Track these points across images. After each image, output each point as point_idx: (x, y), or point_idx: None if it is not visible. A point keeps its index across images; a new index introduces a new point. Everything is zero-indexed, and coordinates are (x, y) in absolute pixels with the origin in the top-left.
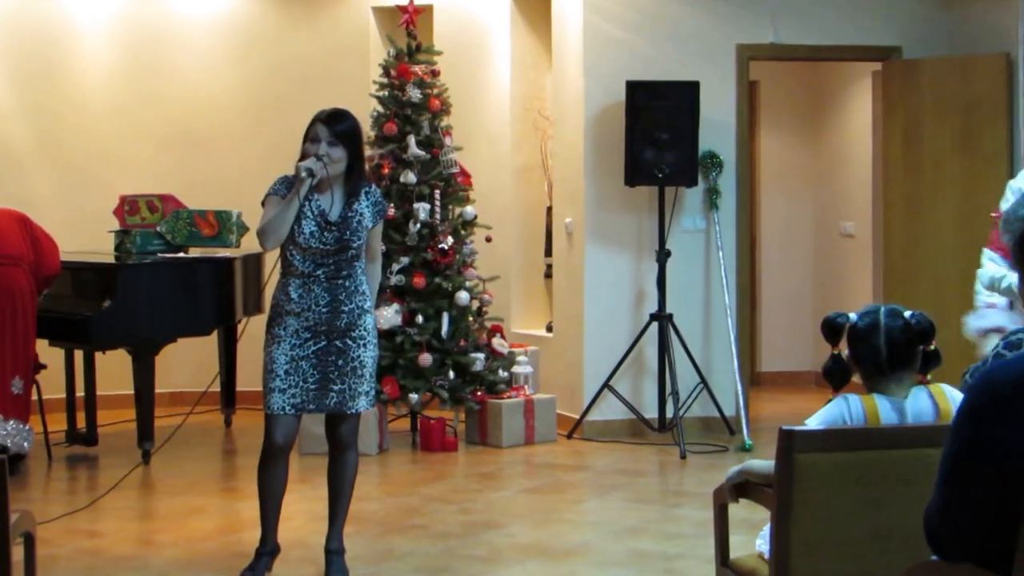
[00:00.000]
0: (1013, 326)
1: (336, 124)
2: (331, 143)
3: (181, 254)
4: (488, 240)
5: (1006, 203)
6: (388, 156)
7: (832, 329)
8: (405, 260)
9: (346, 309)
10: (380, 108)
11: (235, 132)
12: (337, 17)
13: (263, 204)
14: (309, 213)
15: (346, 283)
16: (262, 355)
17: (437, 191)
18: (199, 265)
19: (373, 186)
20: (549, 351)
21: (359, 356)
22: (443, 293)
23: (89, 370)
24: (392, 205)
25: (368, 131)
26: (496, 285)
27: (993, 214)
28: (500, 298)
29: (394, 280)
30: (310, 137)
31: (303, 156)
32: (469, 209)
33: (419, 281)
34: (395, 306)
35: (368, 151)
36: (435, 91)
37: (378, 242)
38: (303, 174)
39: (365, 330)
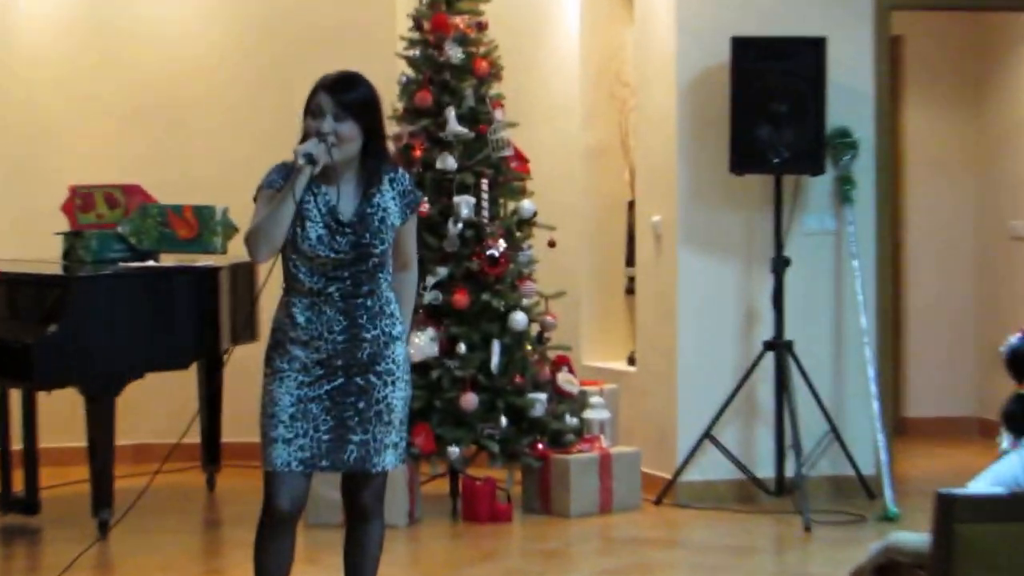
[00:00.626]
0: None
1: (344, 92)
2: (338, 117)
3: (150, 262)
4: (551, 245)
5: None
6: (420, 135)
7: (1020, 361)
8: (443, 271)
9: (368, 336)
10: (410, 72)
11: (221, 105)
12: None
13: (255, 200)
14: (315, 212)
15: (368, 302)
16: (258, 396)
17: (484, 180)
18: (173, 277)
19: (400, 170)
20: (631, 390)
21: (386, 397)
22: (493, 314)
23: (29, 415)
24: (425, 199)
25: (393, 102)
26: (561, 304)
27: None
28: (567, 321)
29: (428, 298)
30: (311, 111)
31: (304, 136)
32: (526, 204)
33: (461, 299)
34: (430, 332)
35: (394, 128)
36: (481, 50)
37: (412, 244)
38: (300, 160)
39: (394, 363)
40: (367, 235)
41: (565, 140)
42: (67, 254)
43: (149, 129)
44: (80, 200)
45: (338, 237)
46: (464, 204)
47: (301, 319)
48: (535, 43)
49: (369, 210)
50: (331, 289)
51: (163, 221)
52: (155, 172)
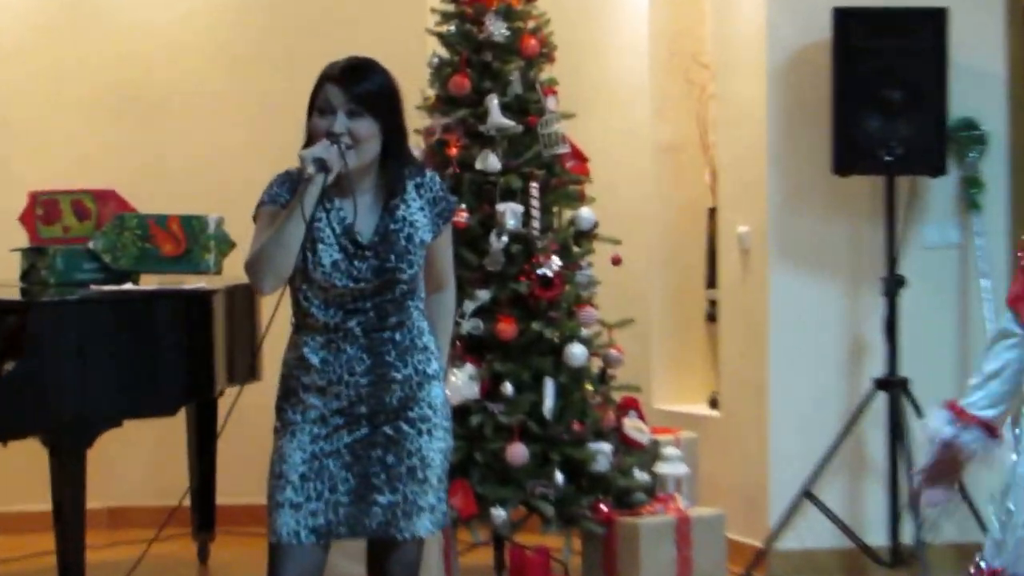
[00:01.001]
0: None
1: (356, 82)
2: (352, 113)
3: (127, 285)
4: (616, 262)
5: None
6: (457, 128)
7: None
8: (484, 295)
9: (399, 376)
10: (443, 52)
11: (212, 96)
12: None
13: (255, 220)
14: (328, 232)
15: (396, 336)
16: (261, 446)
17: (534, 184)
18: (156, 303)
19: (428, 172)
20: (714, 439)
21: (420, 449)
22: (545, 347)
23: None
24: (463, 206)
25: (424, 88)
26: (629, 334)
27: (1020, 253)
28: (635, 355)
29: (467, 327)
30: (318, 107)
31: (309, 138)
32: (586, 212)
33: (507, 328)
34: (469, 369)
35: (423, 120)
36: (530, 25)
37: (447, 260)
38: (310, 168)
39: (430, 407)
40: (392, 257)
41: (632, 134)
42: (26, 275)
43: (125, 123)
44: (42, 209)
45: (357, 262)
46: (510, 213)
47: (315, 360)
48: (594, 16)
49: (393, 226)
50: (351, 324)
51: (144, 235)
52: (133, 175)
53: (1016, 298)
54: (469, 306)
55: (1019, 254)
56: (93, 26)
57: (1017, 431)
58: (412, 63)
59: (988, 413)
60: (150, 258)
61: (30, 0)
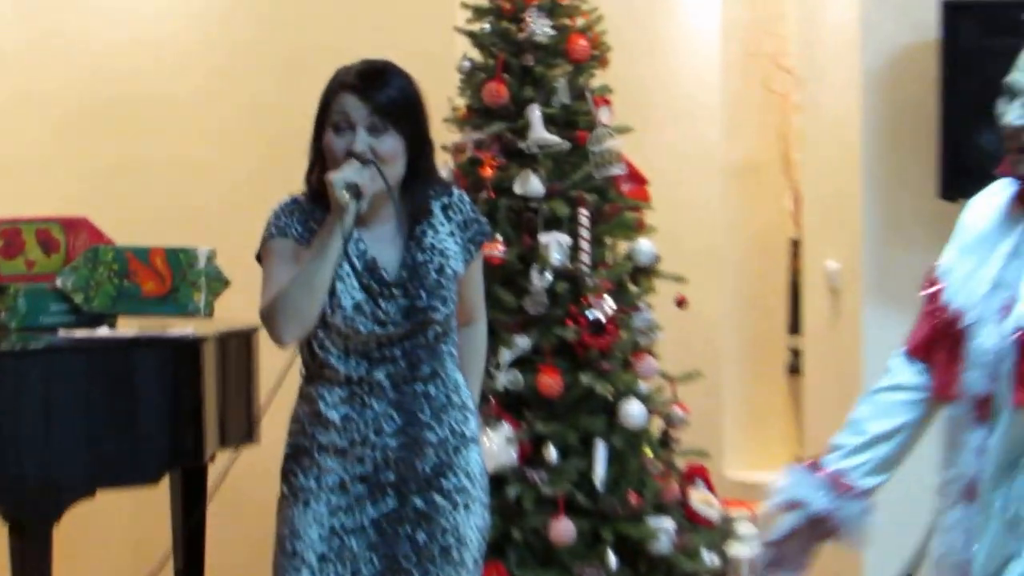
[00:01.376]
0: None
1: (377, 90)
2: (374, 128)
3: (102, 330)
4: (681, 304)
5: (946, 264)
6: (492, 144)
7: None
8: (523, 343)
9: (434, 439)
10: (476, 55)
11: (204, 107)
12: None
13: (260, 258)
14: (347, 268)
15: (430, 389)
16: (263, 522)
17: (584, 211)
18: (136, 352)
19: (455, 190)
20: None
21: (457, 527)
22: (596, 405)
23: None
24: (499, 236)
25: (452, 97)
26: (696, 389)
27: (924, 291)
28: (704, 414)
29: (504, 381)
30: (333, 122)
31: (319, 160)
32: (645, 245)
33: (551, 382)
34: (505, 430)
35: (452, 136)
36: (580, 22)
37: (478, 290)
38: (346, 197)
39: (468, 476)
40: (423, 295)
41: (700, 152)
42: None
43: (101, 138)
44: (1, 240)
45: (383, 302)
46: (555, 245)
47: (335, 416)
48: (655, 12)
49: (421, 257)
50: (378, 375)
51: (122, 271)
52: (110, 202)
53: (920, 346)
54: (506, 356)
55: (923, 291)
56: (70, 30)
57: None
58: (439, 67)
59: (871, 482)
60: (129, 298)
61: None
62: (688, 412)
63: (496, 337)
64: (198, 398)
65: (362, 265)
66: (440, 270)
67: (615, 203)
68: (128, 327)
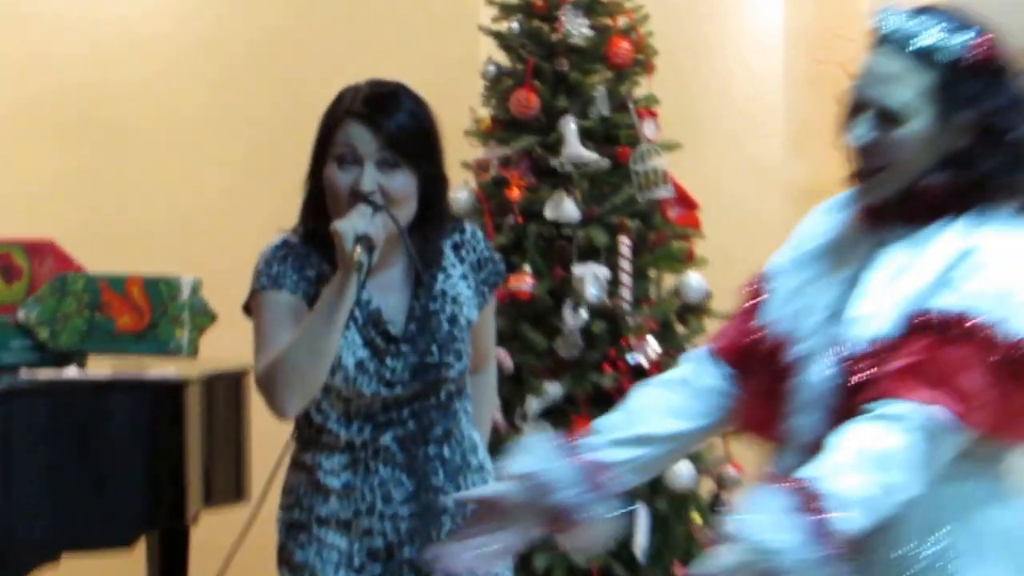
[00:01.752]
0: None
1: (388, 117)
2: (385, 163)
3: (70, 371)
4: None
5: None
6: (520, 162)
7: None
8: (555, 391)
9: (451, 504)
10: (502, 58)
11: (191, 120)
12: None
13: (249, 309)
14: (348, 324)
15: (444, 451)
16: None
17: (625, 239)
18: (109, 396)
19: (467, 227)
20: None
21: None
22: None
23: None
24: (526, 267)
25: (475, 107)
26: (750, 445)
27: (745, 294)
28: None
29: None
30: (336, 154)
31: (319, 196)
32: (695, 279)
33: None
34: None
35: (475, 151)
36: (621, 22)
37: (491, 334)
38: (358, 252)
39: None
40: (434, 349)
41: (758, 172)
42: None
43: (73, 153)
44: None
45: (389, 360)
46: (591, 279)
47: (336, 484)
48: (709, 11)
49: (431, 306)
50: (384, 439)
51: (93, 302)
52: (80, 219)
53: (731, 349)
54: (534, 405)
55: (745, 292)
56: (29, 23)
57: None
58: (459, 72)
59: (630, 481)
60: (101, 334)
61: None
62: (742, 472)
63: (523, 384)
64: (180, 450)
65: (364, 317)
66: (453, 320)
67: (661, 230)
68: (100, 367)
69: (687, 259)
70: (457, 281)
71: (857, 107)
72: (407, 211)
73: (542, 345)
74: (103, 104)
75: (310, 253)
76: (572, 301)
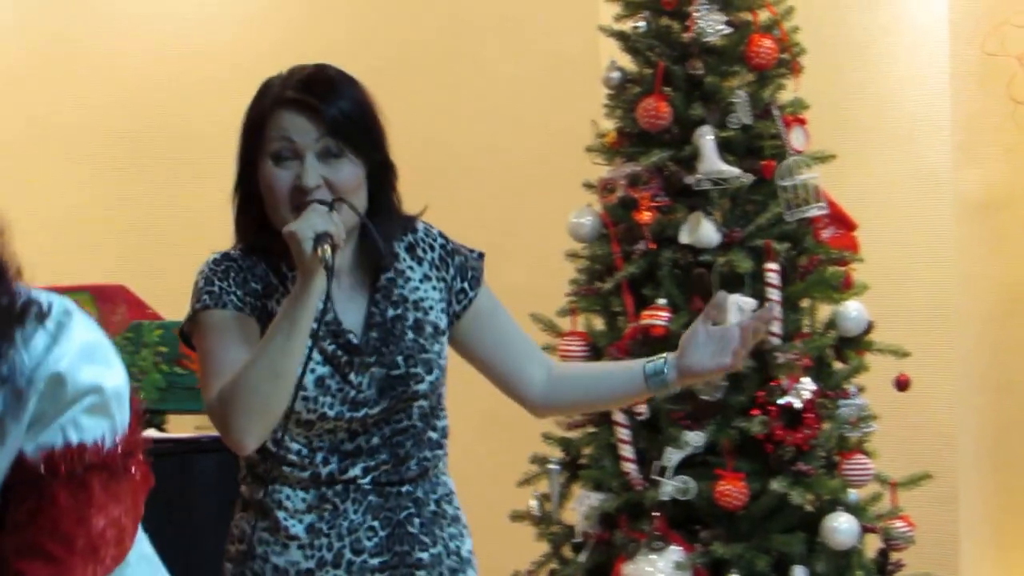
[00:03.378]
0: None
1: (328, 103)
2: (328, 153)
3: (148, 432)
4: (904, 386)
5: None
6: (651, 180)
7: None
8: (696, 440)
9: (426, 559)
10: (627, 63)
11: None
12: None
13: (187, 334)
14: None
15: (419, 492)
16: None
17: (773, 266)
18: (195, 459)
19: (421, 225)
20: None
21: None
22: (792, 519)
23: None
24: (660, 302)
25: (597, 118)
26: (926, 496)
27: None
28: (936, 529)
29: (670, 490)
30: (272, 151)
31: (254, 201)
32: (854, 308)
33: (733, 491)
34: (674, 553)
35: (598, 170)
36: (763, 18)
37: (519, 329)
38: (324, 253)
39: None
40: (400, 360)
41: (925, 186)
42: None
43: (141, 183)
44: None
45: (352, 375)
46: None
47: (298, 528)
48: (864, 3)
49: (392, 312)
50: (354, 470)
51: (172, 354)
52: (155, 262)
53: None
54: (673, 457)
55: None
56: (104, 50)
57: None
58: (578, 79)
59: None
60: (182, 390)
61: (26, 19)
62: (914, 527)
63: (660, 433)
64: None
65: (323, 330)
66: (418, 327)
67: (813, 254)
68: (181, 427)
69: (844, 286)
70: (418, 284)
71: None
72: (359, 203)
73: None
74: (176, 135)
75: (253, 266)
76: None
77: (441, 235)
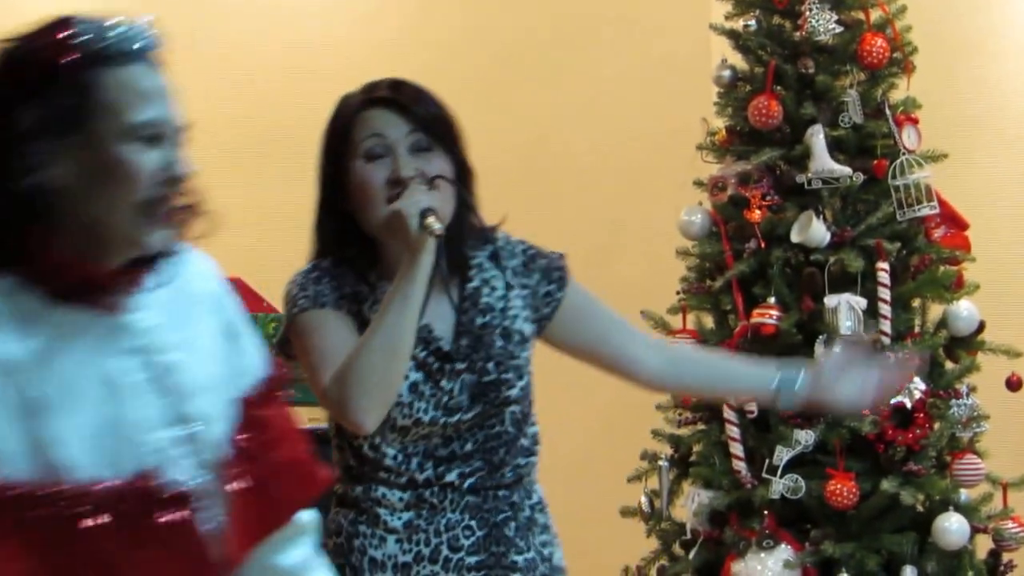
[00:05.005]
0: None
1: (415, 103)
2: (419, 147)
3: None
4: (1016, 387)
5: None
6: (762, 179)
7: None
8: (806, 438)
9: (522, 563)
10: (738, 61)
11: None
12: None
13: (286, 340)
14: None
15: (513, 497)
16: None
17: (884, 265)
18: (316, 456)
19: (499, 233)
20: None
21: None
22: (903, 518)
23: None
24: (771, 301)
25: (709, 116)
26: None
27: None
28: None
29: (779, 488)
30: (364, 149)
31: (340, 208)
32: (966, 308)
33: (843, 490)
34: (784, 552)
35: (710, 168)
36: (876, 17)
37: (619, 318)
38: (434, 226)
39: None
40: (491, 367)
41: None
42: None
43: (258, 178)
44: None
45: (444, 381)
46: (846, 309)
47: (397, 522)
48: (975, 6)
49: (481, 321)
50: (450, 476)
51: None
52: (271, 252)
53: None
54: (783, 455)
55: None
56: (219, 42)
57: None
58: (689, 77)
59: None
60: (296, 382)
61: (123, 5)
62: None
63: (770, 432)
64: None
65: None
66: (506, 335)
67: (925, 254)
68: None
69: (956, 286)
70: (503, 293)
71: None
72: (450, 200)
73: None
74: (294, 125)
75: (344, 274)
76: (825, 336)
77: (521, 242)
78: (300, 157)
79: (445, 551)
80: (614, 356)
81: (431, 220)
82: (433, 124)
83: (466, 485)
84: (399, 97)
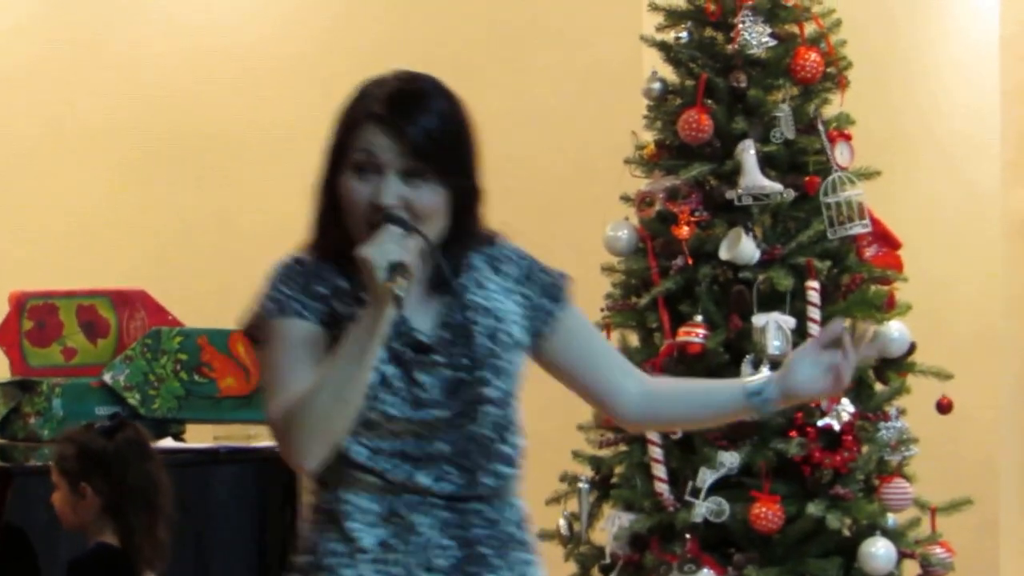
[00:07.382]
0: None
1: (412, 122)
2: (410, 173)
3: (166, 442)
4: (945, 409)
5: None
6: (690, 194)
7: None
8: (731, 460)
9: None
10: (669, 73)
11: (302, 142)
12: None
13: (253, 340)
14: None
15: (488, 511)
16: None
17: (814, 284)
18: (212, 471)
19: (499, 240)
20: None
21: None
22: (829, 543)
23: None
24: (697, 319)
25: (638, 129)
26: (965, 523)
27: None
28: (974, 556)
29: (703, 511)
30: (355, 161)
31: (333, 208)
32: (896, 329)
33: (768, 513)
34: (707, 575)
35: (637, 182)
36: (809, 30)
37: (610, 347)
38: (398, 283)
39: None
40: (468, 362)
41: (972, 205)
42: (5, 424)
43: (164, 187)
44: (32, 321)
45: (418, 373)
46: (774, 329)
47: (369, 542)
48: (913, 17)
49: (464, 316)
50: (425, 481)
51: (192, 362)
52: (175, 266)
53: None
54: (707, 477)
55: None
56: (130, 45)
57: None
58: (618, 89)
59: None
60: (201, 399)
61: (30, 8)
62: (953, 554)
63: (694, 453)
64: (292, 527)
65: (392, 329)
66: (493, 336)
67: (855, 272)
68: (200, 437)
69: (887, 306)
70: (495, 295)
71: None
72: (434, 228)
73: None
74: (199, 137)
75: (322, 269)
76: (752, 356)
77: (525, 253)
78: (207, 166)
79: (420, 573)
80: (605, 386)
81: (399, 280)
82: (427, 150)
83: (440, 490)
84: (397, 117)
